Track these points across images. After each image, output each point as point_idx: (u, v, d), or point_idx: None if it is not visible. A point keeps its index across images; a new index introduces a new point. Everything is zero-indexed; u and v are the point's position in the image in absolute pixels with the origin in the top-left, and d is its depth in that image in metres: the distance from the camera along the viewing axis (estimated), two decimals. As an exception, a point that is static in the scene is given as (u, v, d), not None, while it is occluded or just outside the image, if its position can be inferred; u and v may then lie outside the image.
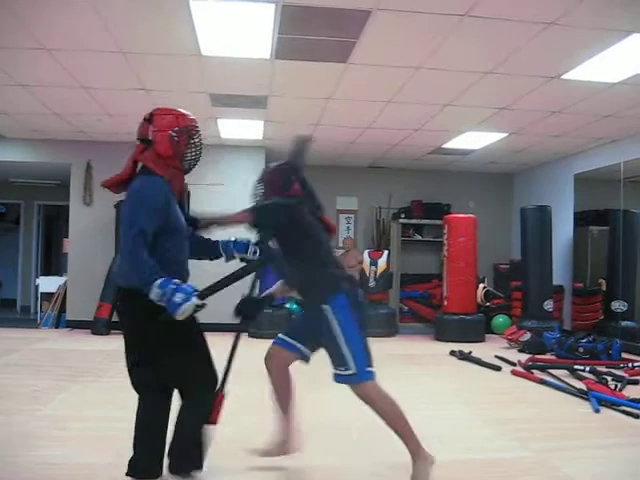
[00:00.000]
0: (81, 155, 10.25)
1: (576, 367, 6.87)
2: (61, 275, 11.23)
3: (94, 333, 9.44)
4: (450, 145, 9.92)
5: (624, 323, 9.10)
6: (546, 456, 4.10)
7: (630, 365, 7.17)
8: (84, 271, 10.05)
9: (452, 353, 8.34)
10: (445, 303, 10.23)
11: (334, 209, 12.27)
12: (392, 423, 3.48)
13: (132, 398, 5.28)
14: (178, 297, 2.83)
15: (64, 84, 6.93)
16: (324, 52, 5.83)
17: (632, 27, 5.03)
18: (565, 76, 6.28)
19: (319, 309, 3.45)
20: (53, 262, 14.43)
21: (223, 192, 10.35)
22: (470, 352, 8.14)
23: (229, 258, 3.71)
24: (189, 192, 10.36)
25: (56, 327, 10.26)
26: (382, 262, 10.63)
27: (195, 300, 2.91)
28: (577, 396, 5.81)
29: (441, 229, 10.71)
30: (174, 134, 3.10)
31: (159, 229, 2.98)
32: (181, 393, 3.22)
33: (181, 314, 2.84)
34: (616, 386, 6.10)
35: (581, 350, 7.74)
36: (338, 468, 3.84)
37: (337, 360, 3.43)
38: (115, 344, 8.51)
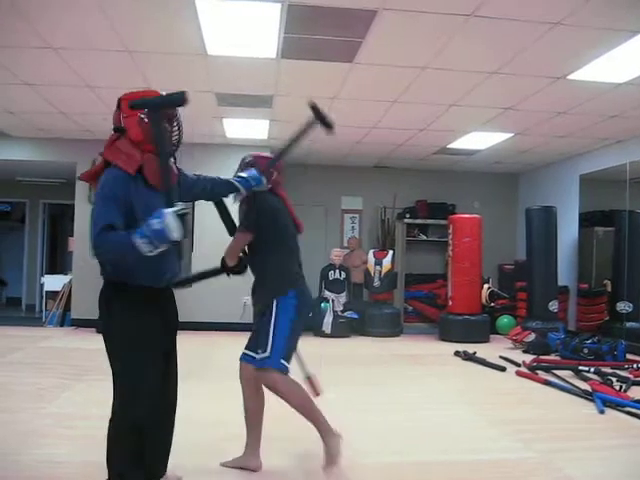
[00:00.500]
0: (86, 154, 10.21)
1: (581, 368, 6.85)
2: (66, 274, 11.24)
3: (99, 332, 9.42)
4: (455, 145, 9.92)
5: (629, 324, 9.07)
6: (550, 457, 4.10)
7: (635, 366, 7.15)
8: (89, 270, 9.90)
9: (456, 353, 8.33)
10: (450, 303, 10.23)
11: (339, 209, 12.28)
12: (299, 409, 3.56)
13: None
14: (155, 224, 2.61)
15: (70, 83, 6.94)
16: (330, 52, 5.83)
17: (638, 27, 5.02)
18: (571, 76, 6.26)
19: (269, 302, 3.63)
20: (58, 261, 14.46)
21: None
22: (474, 352, 8.13)
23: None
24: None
25: (61, 325, 10.29)
26: (387, 262, 10.63)
27: (171, 211, 2.65)
28: (582, 397, 5.80)
29: (446, 229, 10.70)
30: (143, 116, 2.88)
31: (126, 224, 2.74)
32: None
33: (170, 232, 2.62)
34: (621, 387, 6.09)
35: (586, 351, 7.73)
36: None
37: (258, 343, 3.64)
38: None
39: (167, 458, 3.26)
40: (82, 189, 10.29)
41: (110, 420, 3.01)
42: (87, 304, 9.84)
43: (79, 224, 10.32)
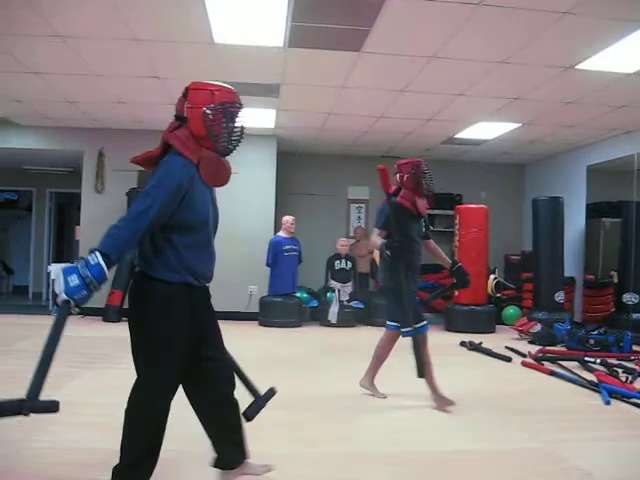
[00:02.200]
0: (93, 143, 10.28)
1: (587, 359, 6.85)
2: (73, 262, 11.27)
3: (105, 320, 9.49)
4: (462, 135, 9.89)
5: (635, 315, 9.05)
6: (556, 447, 4.10)
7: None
8: (96, 258, 10.06)
9: (462, 344, 8.33)
10: (456, 294, 10.22)
11: (345, 198, 12.26)
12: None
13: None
14: (72, 280, 2.59)
15: (76, 71, 6.94)
16: (337, 40, 5.81)
17: (648, 17, 5.00)
18: (580, 66, 6.23)
19: None
20: (65, 249, 14.51)
21: (236, 181, 10.34)
22: (480, 343, 8.13)
23: None
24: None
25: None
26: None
27: (71, 303, 2.65)
28: (588, 388, 5.80)
29: (452, 219, 10.69)
30: (208, 111, 2.82)
31: (172, 220, 2.75)
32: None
33: (65, 279, 2.59)
34: (627, 378, 6.08)
35: (592, 342, 7.71)
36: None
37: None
38: (126, 332, 8.57)
39: (239, 447, 3.22)
40: (89, 178, 10.32)
41: (127, 410, 2.98)
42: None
43: (86, 213, 10.35)
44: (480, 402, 5.31)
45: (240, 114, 2.95)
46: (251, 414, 3.26)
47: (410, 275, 5.03)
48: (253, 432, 3.40)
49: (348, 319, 10.03)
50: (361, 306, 10.27)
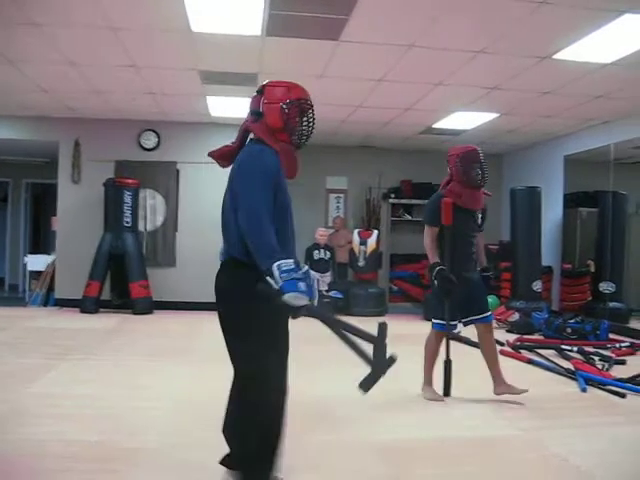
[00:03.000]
0: (69, 133, 10.16)
1: (564, 347, 6.92)
2: (49, 253, 11.15)
3: (83, 311, 9.41)
4: (441, 125, 9.90)
5: (612, 304, 9.15)
6: (534, 435, 4.14)
7: (617, 345, 7.23)
8: (73, 249, 10.00)
9: (441, 333, 8.36)
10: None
11: (324, 188, 12.25)
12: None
13: (122, 376, 5.30)
14: (301, 285, 2.66)
15: (52, 60, 6.84)
16: (315, 29, 5.78)
17: (625, 7, 5.01)
18: (557, 56, 6.25)
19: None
20: (41, 240, 14.34)
21: (214, 171, 10.29)
22: (459, 332, 8.15)
23: None
24: (178, 170, 10.35)
25: (44, 305, 10.22)
26: (372, 242, 10.64)
27: (307, 300, 2.69)
28: (565, 376, 5.85)
29: (431, 209, 10.70)
30: (285, 106, 2.98)
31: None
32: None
33: (293, 298, 2.62)
34: (603, 366, 6.15)
35: (569, 330, 7.78)
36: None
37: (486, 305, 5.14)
38: (104, 322, 8.53)
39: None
40: (65, 168, 10.21)
41: (242, 409, 2.96)
42: (70, 284, 9.81)
43: (62, 203, 10.26)
44: (459, 391, 5.33)
45: (311, 111, 3.09)
46: (366, 386, 2.98)
47: (458, 269, 4.91)
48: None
49: (326, 309, 10.03)
50: (340, 296, 10.29)
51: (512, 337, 7.92)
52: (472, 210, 5.02)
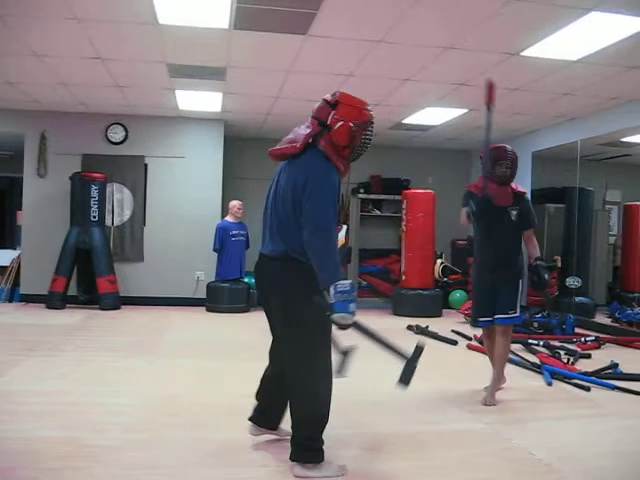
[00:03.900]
0: (35, 125, 10.02)
1: (530, 341, 6.99)
2: (15, 248, 11.02)
3: (49, 307, 9.29)
4: (410, 120, 9.92)
5: (578, 299, 9.26)
6: (499, 428, 4.17)
7: (583, 340, 7.32)
8: (38, 244, 9.87)
9: (409, 328, 8.41)
10: (403, 278, 10.30)
11: (294, 184, 12.21)
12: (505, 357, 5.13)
13: (88, 372, 5.24)
14: (352, 306, 2.99)
15: (15, 51, 6.72)
16: (284, 23, 5.74)
17: (591, 5, 5.05)
18: (524, 53, 6.29)
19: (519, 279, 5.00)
20: (7, 234, 14.16)
21: (183, 165, 10.24)
22: (427, 326, 8.21)
23: None
24: (146, 164, 10.27)
25: (10, 301, 10.08)
26: (341, 237, 10.55)
27: (353, 320, 3.05)
28: (531, 369, 5.91)
29: (400, 204, 10.75)
30: (354, 127, 3.19)
31: None
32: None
33: (340, 318, 2.99)
34: (569, 360, 6.22)
35: (535, 325, 7.86)
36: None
37: (509, 305, 4.95)
38: (70, 318, 8.43)
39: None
40: (31, 162, 10.06)
41: (300, 401, 3.28)
42: (36, 279, 9.69)
43: (28, 197, 10.11)
44: (424, 384, 5.34)
45: (372, 130, 3.33)
46: (405, 380, 3.51)
47: (487, 267, 5.01)
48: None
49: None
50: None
51: (480, 332, 7.95)
52: (500, 207, 4.96)
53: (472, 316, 5.28)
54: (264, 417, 3.65)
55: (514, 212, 4.99)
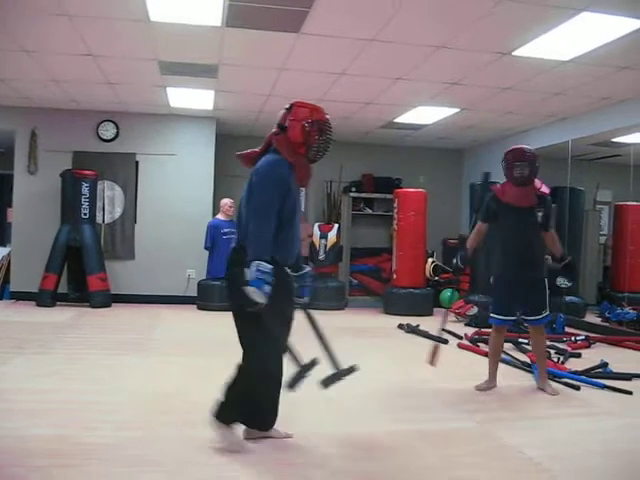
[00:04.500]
0: (25, 122, 9.97)
1: (521, 340, 7.00)
2: (5, 245, 10.96)
3: (39, 305, 9.25)
4: (402, 120, 9.93)
5: (568, 298, 9.27)
6: (489, 427, 4.18)
7: (573, 339, 7.34)
8: (29, 241, 9.83)
9: (400, 326, 8.42)
10: (394, 277, 10.31)
11: (285, 182, 12.20)
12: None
13: (79, 370, 5.23)
14: (266, 288, 3.22)
15: (5, 47, 6.69)
16: (276, 21, 5.74)
17: (583, 5, 5.07)
18: (516, 52, 6.31)
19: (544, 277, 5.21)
20: (-4, 232, 14.09)
21: (174, 163, 10.22)
22: (418, 325, 8.23)
23: None
24: (137, 162, 10.24)
25: (0, 299, 10.03)
26: (332, 235, 10.65)
27: (261, 305, 3.24)
28: (521, 369, 5.93)
29: (391, 203, 10.76)
30: (307, 125, 3.49)
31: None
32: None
33: (252, 292, 3.21)
34: (559, 359, 6.24)
35: (526, 324, 7.86)
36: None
37: (542, 307, 5.13)
38: (61, 316, 8.41)
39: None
40: (21, 158, 10.02)
41: (242, 378, 3.54)
42: (27, 277, 9.65)
43: (18, 194, 10.07)
44: (416, 384, 5.38)
45: (329, 132, 3.60)
46: (327, 383, 3.67)
47: (513, 269, 5.06)
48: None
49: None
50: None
51: (470, 331, 8.00)
52: (520, 207, 4.99)
53: (493, 312, 5.26)
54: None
55: (539, 213, 5.03)
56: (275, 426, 3.74)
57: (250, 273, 3.22)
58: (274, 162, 3.49)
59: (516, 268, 5.03)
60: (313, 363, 3.63)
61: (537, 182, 5.07)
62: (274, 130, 3.60)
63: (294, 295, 3.69)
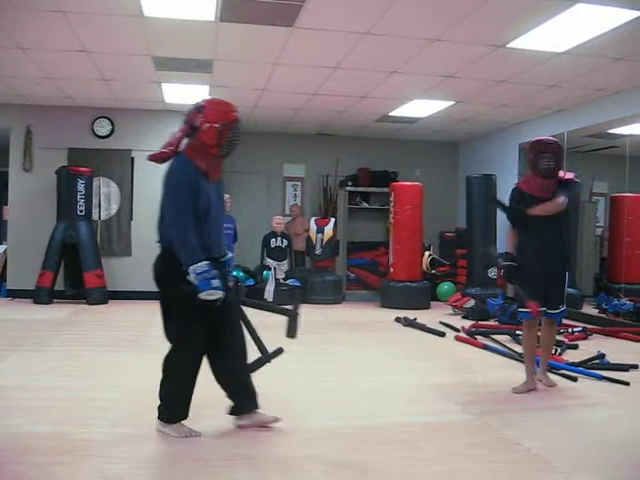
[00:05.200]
0: (20, 119, 9.95)
1: (518, 333, 6.98)
2: (1, 243, 10.94)
3: (36, 302, 9.24)
4: (397, 113, 9.92)
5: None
6: (486, 419, 4.18)
7: (570, 330, 7.34)
8: (25, 239, 9.81)
9: (397, 320, 8.43)
10: (391, 270, 10.31)
11: (281, 176, 12.21)
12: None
13: (75, 367, 5.22)
14: (214, 282, 3.37)
15: (1, 44, 6.67)
16: (270, 15, 5.72)
17: (576, -4, 5.07)
18: (511, 45, 6.30)
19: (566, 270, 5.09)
20: (-8, 230, 14.06)
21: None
22: (415, 319, 8.23)
23: None
24: (133, 158, 10.22)
25: (-4, 296, 10.03)
26: (329, 229, 10.65)
27: (220, 294, 3.41)
28: (518, 361, 5.91)
29: (388, 197, 10.75)
30: (219, 127, 3.50)
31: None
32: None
33: (207, 294, 3.36)
34: (556, 350, 6.23)
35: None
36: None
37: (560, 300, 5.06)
38: (57, 313, 8.40)
39: (252, 398, 3.83)
40: (16, 156, 10.00)
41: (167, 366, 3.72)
42: (23, 274, 9.63)
43: (13, 192, 10.05)
44: (414, 376, 5.38)
45: (238, 129, 3.63)
46: (254, 367, 3.89)
47: (534, 260, 4.88)
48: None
49: (284, 297, 10.01)
50: (297, 284, 10.27)
51: (467, 323, 8.01)
52: (543, 199, 4.83)
53: (520, 307, 5.10)
54: (238, 405, 3.85)
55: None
56: (271, 415, 3.86)
57: (194, 280, 3.36)
58: (180, 167, 3.56)
59: (540, 262, 4.86)
60: (277, 352, 3.92)
61: (560, 172, 4.92)
62: (182, 128, 3.66)
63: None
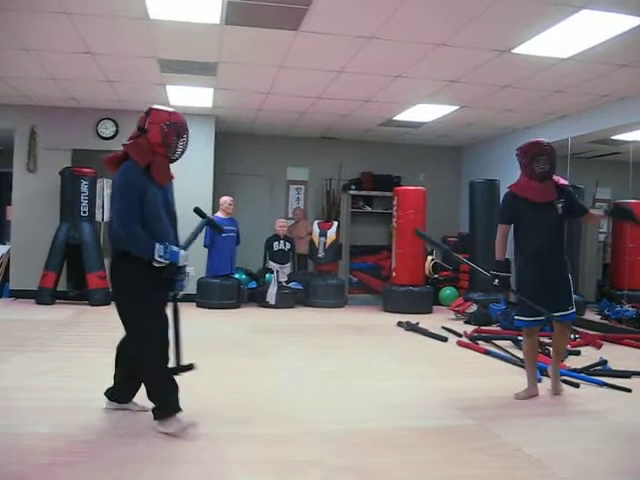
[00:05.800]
0: (25, 120, 9.97)
1: (520, 338, 6.96)
2: (4, 243, 10.96)
3: (39, 303, 9.25)
4: (401, 117, 9.93)
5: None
6: (487, 424, 4.18)
7: (572, 337, 7.33)
8: (28, 239, 9.82)
9: (400, 324, 8.43)
10: (394, 275, 10.31)
11: (284, 179, 12.21)
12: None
13: (78, 368, 5.23)
14: (181, 253, 3.78)
15: (5, 46, 6.69)
16: (275, 18, 5.73)
17: (582, 3, 5.07)
18: (515, 50, 6.30)
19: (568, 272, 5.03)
20: (-4, 230, 14.08)
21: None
22: (417, 323, 8.23)
23: None
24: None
25: (-1, 296, 10.04)
26: (332, 233, 10.65)
27: (184, 252, 3.83)
28: (520, 366, 5.90)
29: (391, 201, 10.75)
30: (165, 127, 3.76)
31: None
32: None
33: (183, 259, 3.79)
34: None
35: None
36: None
37: (569, 302, 4.99)
38: (60, 314, 8.41)
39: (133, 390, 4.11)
40: (20, 156, 10.01)
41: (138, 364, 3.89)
42: (26, 275, 9.64)
43: (17, 192, 10.06)
44: (416, 380, 5.38)
45: (185, 134, 3.89)
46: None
47: (533, 266, 4.94)
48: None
49: (286, 300, 10.03)
50: (300, 287, 10.27)
51: (470, 328, 8.00)
52: (541, 203, 4.84)
53: (518, 315, 5.09)
54: (117, 392, 4.17)
55: (559, 205, 4.87)
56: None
57: (164, 260, 3.67)
58: (126, 170, 3.73)
59: (541, 266, 4.88)
60: (189, 367, 3.98)
61: (554, 176, 4.92)
62: (134, 132, 3.84)
63: (164, 285, 3.89)
